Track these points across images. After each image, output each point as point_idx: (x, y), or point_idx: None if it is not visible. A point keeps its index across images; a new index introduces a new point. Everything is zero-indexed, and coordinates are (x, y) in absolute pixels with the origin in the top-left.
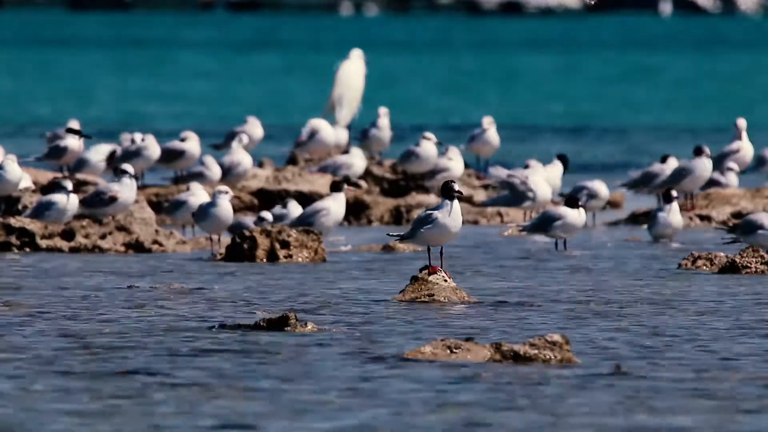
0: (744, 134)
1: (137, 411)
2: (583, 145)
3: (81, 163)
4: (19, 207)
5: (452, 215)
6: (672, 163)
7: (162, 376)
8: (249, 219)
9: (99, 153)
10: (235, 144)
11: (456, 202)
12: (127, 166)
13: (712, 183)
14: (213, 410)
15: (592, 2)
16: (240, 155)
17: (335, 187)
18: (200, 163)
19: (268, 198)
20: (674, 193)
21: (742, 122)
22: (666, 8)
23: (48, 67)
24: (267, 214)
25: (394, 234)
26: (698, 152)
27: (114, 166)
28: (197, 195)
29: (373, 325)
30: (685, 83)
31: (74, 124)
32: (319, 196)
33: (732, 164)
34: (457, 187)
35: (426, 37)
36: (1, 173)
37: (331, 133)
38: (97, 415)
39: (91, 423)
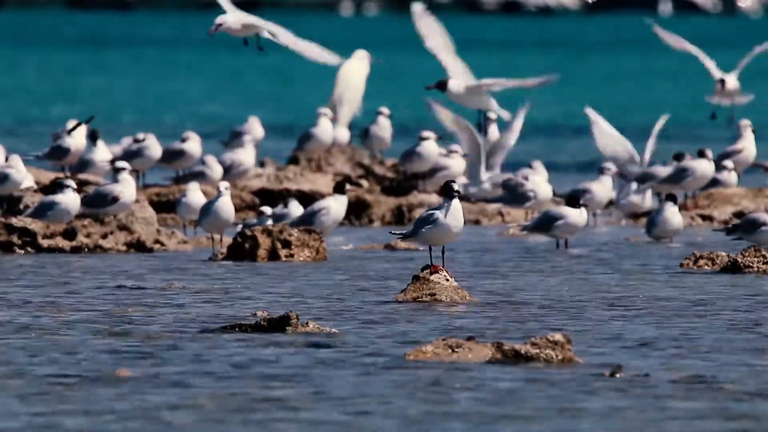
0: (748, 134)
1: (136, 412)
2: (581, 145)
3: (83, 163)
4: (21, 207)
5: (454, 215)
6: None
7: (162, 375)
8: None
9: (101, 153)
10: (247, 142)
11: (456, 201)
12: (123, 163)
13: (713, 182)
14: (212, 410)
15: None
16: (244, 154)
17: (338, 189)
18: (201, 163)
19: (269, 197)
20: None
21: (745, 122)
22: (666, 8)
23: (48, 66)
24: (266, 209)
25: (396, 232)
26: (701, 155)
27: (113, 164)
28: (189, 195)
29: (375, 325)
30: (684, 83)
31: (73, 124)
32: (321, 196)
33: (728, 163)
34: (456, 186)
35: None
36: (9, 171)
37: (330, 130)
38: (94, 416)
39: (90, 423)
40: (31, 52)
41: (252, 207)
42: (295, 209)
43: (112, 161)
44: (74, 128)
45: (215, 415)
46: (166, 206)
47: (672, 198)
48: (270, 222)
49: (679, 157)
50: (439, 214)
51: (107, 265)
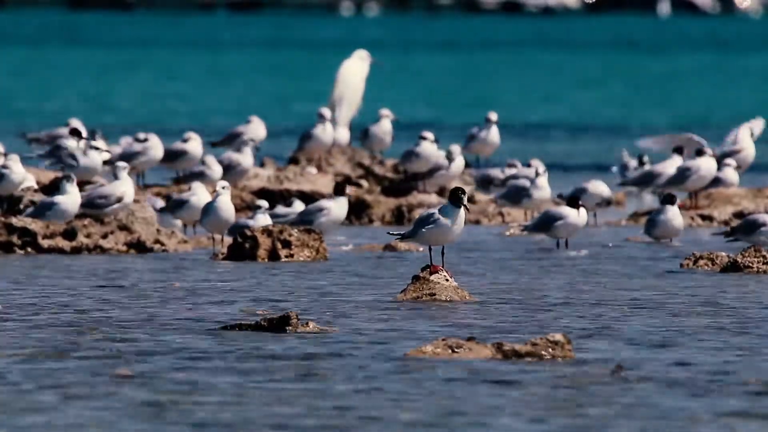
0: (746, 134)
1: (135, 411)
2: (581, 145)
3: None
4: (21, 206)
5: (455, 218)
6: (675, 162)
7: (162, 375)
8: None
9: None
10: (247, 149)
11: (461, 210)
12: (121, 163)
13: (715, 181)
14: (211, 410)
15: (591, 0)
16: (242, 154)
17: (338, 190)
18: (201, 163)
19: (269, 197)
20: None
21: (756, 121)
22: (664, 8)
23: (47, 66)
24: (263, 202)
25: (395, 233)
26: (699, 153)
27: (111, 163)
28: (199, 194)
29: (375, 325)
30: (683, 82)
31: (75, 124)
32: (321, 196)
33: (730, 161)
34: (465, 199)
35: (426, 37)
36: (5, 172)
37: (330, 131)
38: (94, 416)
39: (90, 423)
40: (32, 51)
41: (252, 207)
42: (298, 209)
43: (109, 161)
44: (77, 132)
45: (216, 414)
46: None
47: (672, 198)
48: (265, 214)
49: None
50: (439, 215)
51: (107, 265)
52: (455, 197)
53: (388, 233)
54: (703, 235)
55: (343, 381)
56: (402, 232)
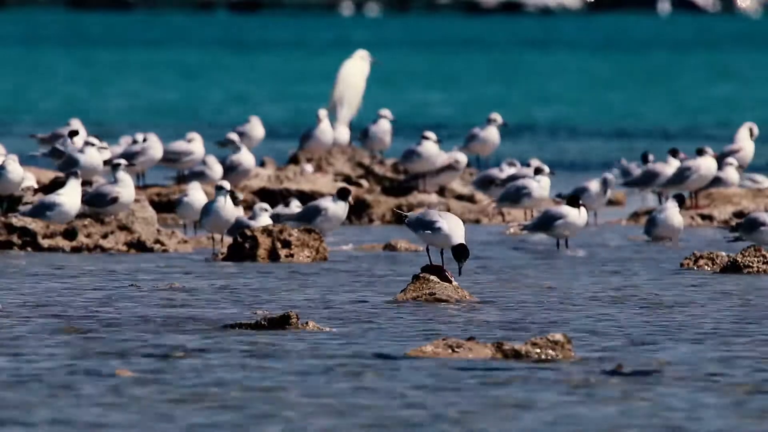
0: (745, 134)
1: (135, 412)
2: (581, 144)
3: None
4: (21, 206)
5: (455, 227)
6: (674, 162)
7: (162, 375)
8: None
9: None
10: (235, 139)
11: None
12: (121, 160)
13: (715, 180)
14: (212, 410)
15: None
16: (243, 154)
17: (341, 195)
18: (202, 163)
19: (269, 197)
20: (676, 195)
21: (748, 125)
22: (664, 7)
23: (47, 66)
24: (264, 205)
25: (403, 212)
26: (700, 153)
27: (111, 162)
28: (192, 194)
29: (375, 324)
30: (683, 82)
31: (76, 124)
32: (321, 196)
33: (731, 160)
34: (463, 264)
35: (426, 37)
36: (2, 173)
37: (330, 131)
38: (94, 416)
39: (90, 423)
40: (32, 52)
41: (252, 207)
42: (296, 209)
43: (109, 160)
44: (77, 133)
45: (216, 415)
46: (166, 206)
47: (679, 198)
48: (265, 216)
49: (700, 151)
50: (441, 224)
51: (107, 265)
52: (459, 256)
53: (395, 210)
54: (704, 235)
55: (343, 381)
56: (408, 213)
